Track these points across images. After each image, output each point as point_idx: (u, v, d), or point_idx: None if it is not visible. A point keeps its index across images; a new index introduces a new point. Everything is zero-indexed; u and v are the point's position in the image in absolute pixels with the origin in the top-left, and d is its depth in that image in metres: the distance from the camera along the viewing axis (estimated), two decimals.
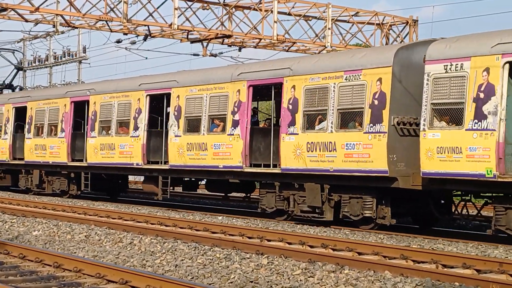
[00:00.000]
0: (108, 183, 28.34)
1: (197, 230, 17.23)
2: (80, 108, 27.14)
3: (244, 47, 30.46)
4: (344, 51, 23.67)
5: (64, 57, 48.50)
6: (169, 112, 23.16)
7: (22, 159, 29.81)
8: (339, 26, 30.29)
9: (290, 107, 19.07)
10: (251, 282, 10.57)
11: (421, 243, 15.50)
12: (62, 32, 34.56)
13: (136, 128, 24.05)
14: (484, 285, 10.40)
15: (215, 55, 30.85)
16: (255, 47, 30.30)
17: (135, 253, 13.70)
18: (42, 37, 42.90)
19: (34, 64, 50.51)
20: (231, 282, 10.62)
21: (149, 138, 23.83)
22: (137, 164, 23.92)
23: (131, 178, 35.52)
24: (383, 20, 30.61)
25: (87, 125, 26.45)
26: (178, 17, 26.53)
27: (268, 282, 10.57)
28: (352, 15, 30.12)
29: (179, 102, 22.35)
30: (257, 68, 20.72)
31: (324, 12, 29.43)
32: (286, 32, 29.09)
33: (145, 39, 28.63)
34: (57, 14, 25.76)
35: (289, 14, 29.34)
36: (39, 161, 28.65)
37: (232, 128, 20.58)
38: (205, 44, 29.42)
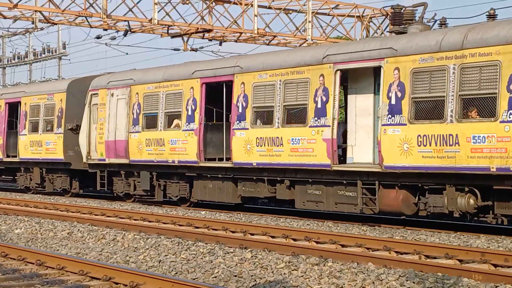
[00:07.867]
0: None
1: (180, 225, 17.21)
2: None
3: (225, 41, 30.42)
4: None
5: (44, 53, 48.21)
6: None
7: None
8: (320, 19, 30.35)
9: None
10: (235, 276, 10.57)
11: (404, 234, 15.57)
12: (42, 29, 34.18)
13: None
14: (467, 275, 10.46)
15: (195, 50, 30.77)
16: (235, 41, 30.27)
17: (118, 249, 13.66)
18: (21, 34, 42.49)
19: (13, 61, 50.17)
20: (215, 277, 10.61)
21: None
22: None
23: None
24: (363, 13, 30.65)
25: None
26: (158, 12, 26.44)
27: (252, 276, 10.56)
28: (332, 8, 30.17)
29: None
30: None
31: (304, 5, 29.45)
32: (267, 26, 29.08)
33: (125, 35, 28.49)
34: (36, 11, 25.59)
35: (270, 8, 29.33)
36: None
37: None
38: (185, 39, 29.34)
